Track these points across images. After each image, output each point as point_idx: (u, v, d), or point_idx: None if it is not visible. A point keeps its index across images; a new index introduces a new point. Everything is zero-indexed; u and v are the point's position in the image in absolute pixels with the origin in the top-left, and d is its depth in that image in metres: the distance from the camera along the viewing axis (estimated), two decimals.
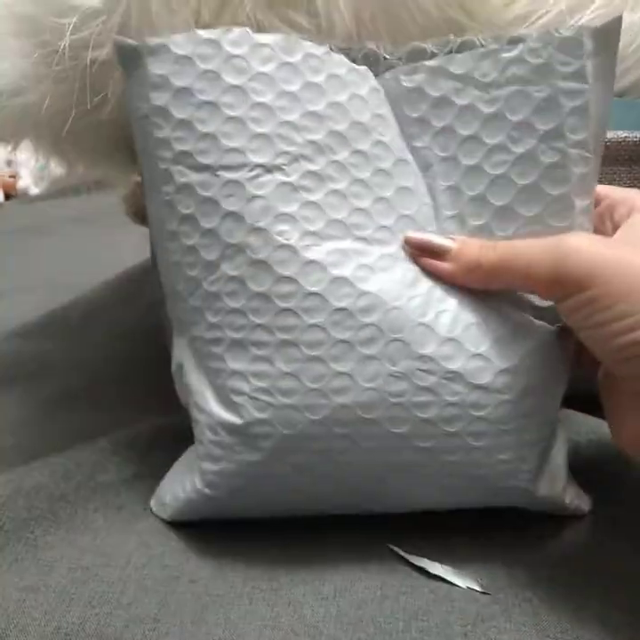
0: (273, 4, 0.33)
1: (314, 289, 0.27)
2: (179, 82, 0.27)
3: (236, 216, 0.27)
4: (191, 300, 0.29)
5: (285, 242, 0.27)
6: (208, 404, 0.30)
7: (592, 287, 0.25)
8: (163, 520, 0.33)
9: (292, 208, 0.27)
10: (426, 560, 0.30)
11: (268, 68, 0.27)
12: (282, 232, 0.27)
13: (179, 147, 0.28)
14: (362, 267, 0.28)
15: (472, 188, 0.29)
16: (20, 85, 0.36)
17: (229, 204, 0.27)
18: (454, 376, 0.28)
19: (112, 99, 0.33)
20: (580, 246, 0.26)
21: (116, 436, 0.39)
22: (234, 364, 0.29)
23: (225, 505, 0.31)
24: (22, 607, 0.28)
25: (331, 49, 0.29)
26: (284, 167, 0.27)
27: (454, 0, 0.33)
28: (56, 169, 0.47)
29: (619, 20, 0.28)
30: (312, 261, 0.27)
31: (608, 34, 0.28)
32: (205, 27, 0.34)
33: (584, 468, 0.34)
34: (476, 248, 0.28)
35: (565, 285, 0.26)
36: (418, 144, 0.30)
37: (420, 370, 0.28)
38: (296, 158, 0.27)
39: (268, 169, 0.27)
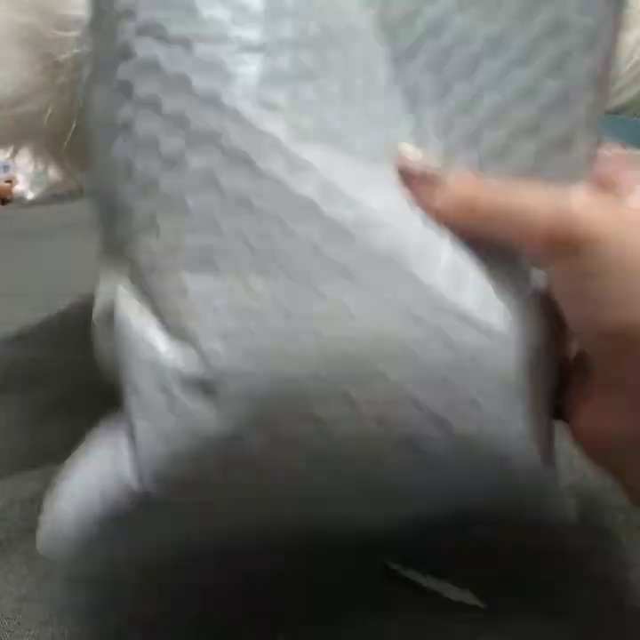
0: None
1: (302, 192, 0.21)
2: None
3: (211, 100, 0.22)
4: (141, 204, 0.23)
5: (269, 131, 0.21)
6: (155, 342, 0.22)
7: (594, 249, 0.22)
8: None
9: (279, 96, 0.22)
10: (419, 574, 0.30)
11: None
12: (265, 118, 0.22)
13: (144, 13, 0.23)
14: (355, 176, 0.22)
15: (465, 121, 0.24)
16: (21, 94, 0.36)
17: (203, 82, 0.22)
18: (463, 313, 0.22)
19: None
20: (587, 202, 0.23)
21: None
22: (200, 285, 0.21)
23: (173, 492, 0.22)
24: (17, 618, 0.28)
25: None
26: (272, 50, 0.22)
27: None
28: (53, 174, 0.47)
29: None
30: (301, 159, 0.22)
31: None
32: None
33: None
34: (473, 184, 0.24)
35: (564, 243, 0.22)
36: (409, 70, 0.24)
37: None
38: (285, 43, 0.22)
39: (254, 48, 0.22)
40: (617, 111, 0.37)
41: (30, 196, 1.24)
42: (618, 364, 0.22)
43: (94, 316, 0.26)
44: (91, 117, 0.26)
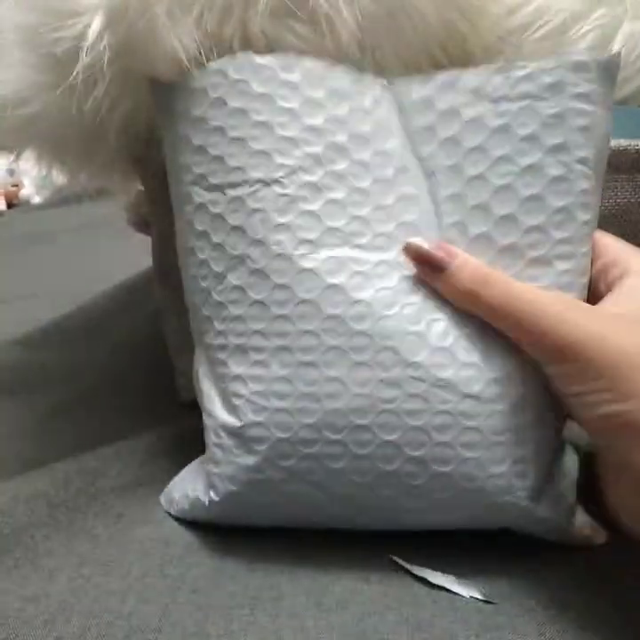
0: (276, 14, 0.34)
1: (307, 296, 0.28)
2: (195, 111, 0.30)
3: (239, 230, 0.29)
4: (203, 309, 0.31)
5: (281, 251, 0.29)
6: (214, 408, 0.31)
7: (575, 360, 0.25)
8: (162, 528, 0.33)
9: (287, 218, 0.29)
10: (428, 570, 0.30)
11: (267, 89, 0.29)
12: (278, 242, 0.29)
13: (196, 170, 0.30)
14: (357, 274, 0.29)
15: (475, 197, 0.29)
16: (24, 96, 0.36)
17: (234, 219, 0.29)
18: (445, 384, 0.28)
19: (119, 109, 0.33)
20: (568, 317, 0.26)
21: (117, 444, 0.39)
22: (235, 368, 0.30)
23: (225, 509, 0.31)
24: (22, 616, 0.28)
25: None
26: (281, 180, 0.29)
27: (455, 8, 0.33)
28: (58, 178, 0.47)
29: (618, 56, 0.30)
30: (306, 270, 0.28)
31: (610, 66, 0.29)
32: (209, 36, 0.34)
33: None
34: (474, 276, 0.28)
35: (550, 352, 0.26)
36: (423, 152, 0.30)
37: (411, 377, 0.28)
38: (294, 171, 0.29)
39: (267, 183, 0.29)
40: (622, 102, 0.37)
41: (36, 199, 1.25)
42: (620, 448, 0.25)
43: (193, 376, 0.34)
44: (177, 237, 0.34)
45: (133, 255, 0.62)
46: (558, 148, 0.28)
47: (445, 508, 0.29)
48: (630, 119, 0.36)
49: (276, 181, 0.29)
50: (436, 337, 0.28)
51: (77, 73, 0.32)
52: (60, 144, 0.37)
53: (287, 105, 0.29)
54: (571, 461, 0.32)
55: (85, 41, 0.31)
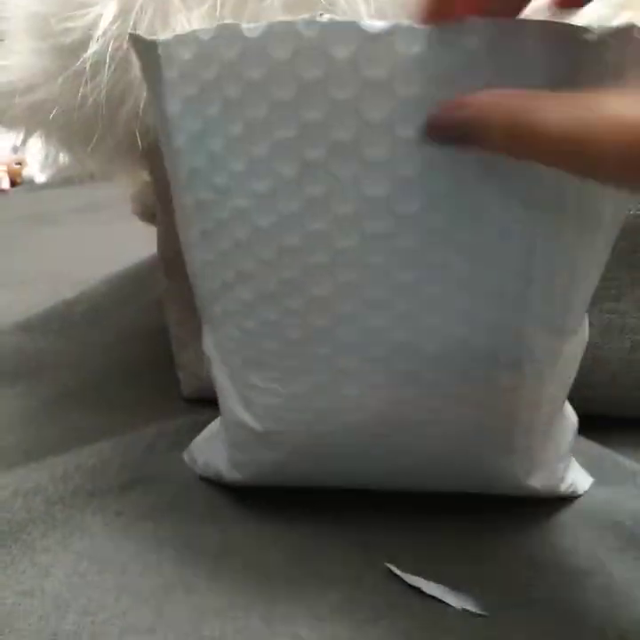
0: (291, 7, 0.33)
1: (319, 323, 0.27)
2: (187, 90, 0.25)
3: (245, 244, 0.27)
4: (214, 307, 0.30)
5: (289, 276, 0.26)
6: (232, 403, 0.32)
7: None
8: (159, 527, 0.33)
9: (294, 240, 0.25)
10: (421, 579, 0.30)
11: (259, 73, 0.23)
12: (286, 265, 0.26)
13: (192, 161, 0.27)
14: (373, 302, 0.26)
15: None
16: (32, 82, 0.36)
17: (239, 232, 0.26)
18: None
19: (129, 99, 0.32)
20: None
21: (116, 439, 0.39)
22: (251, 378, 0.30)
23: (251, 482, 0.34)
24: (18, 611, 0.28)
25: None
26: (283, 195, 0.25)
27: None
28: (63, 158, 0.47)
29: None
30: (317, 297, 0.26)
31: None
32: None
33: None
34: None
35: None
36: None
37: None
38: (296, 183, 0.25)
39: (269, 198, 0.25)
40: None
41: (40, 178, 1.24)
42: None
43: (203, 347, 0.34)
44: (177, 221, 0.31)
45: (137, 239, 0.62)
46: None
47: (446, 469, 0.31)
48: None
49: (279, 197, 0.25)
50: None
51: (85, 59, 0.31)
52: (67, 130, 0.36)
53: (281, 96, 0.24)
54: (568, 425, 0.33)
55: (96, 30, 0.30)
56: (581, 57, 0.22)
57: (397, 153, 0.23)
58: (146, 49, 0.26)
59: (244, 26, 0.23)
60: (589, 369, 0.39)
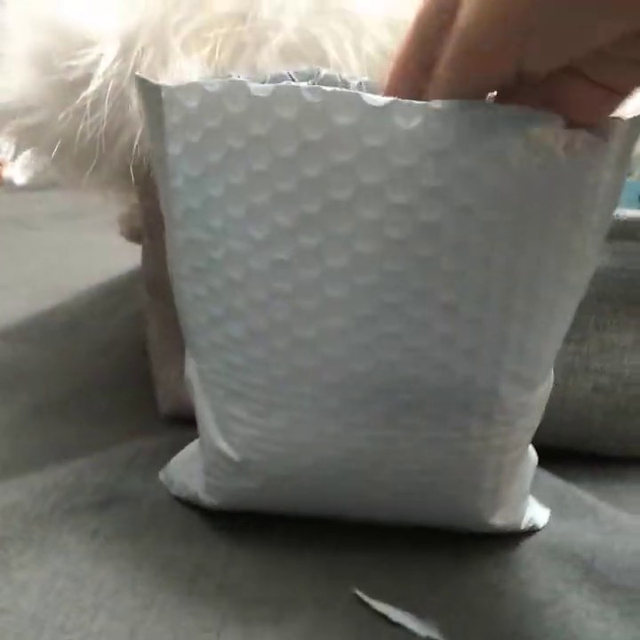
0: (286, 56, 0.35)
1: (304, 364, 0.28)
2: (190, 136, 0.26)
3: (238, 284, 0.28)
4: (200, 340, 0.31)
5: (279, 318, 0.27)
6: (211, 431, 0.32)
7: None
8: (135, 546, 0.34)
9: (285, 286, 0.27)
10: (389, 606, 0.31)
11: (264, 130, 0.25)
12: (276, 308, 0.27)
13: (189, 202, 0.28)
14: (358, 347, 0.28)
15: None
16: (25, 106, 0.36)
17: (232, 272, 0.28)
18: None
19: (125, 134, 0.33)
20: None
21: (95, 456, 0.39)
22: (232, 409, 0.31)
23: (224, 507, 0.35)
24: None
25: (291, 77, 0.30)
26: (278, 243, 0.26)
27: None
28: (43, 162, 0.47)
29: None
30: (304, 339, 0.28)
31: (637, 124, 0.27)
32: (221, 69, 0.35)
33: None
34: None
35: None
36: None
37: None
38: (290, 233, 0.26)
39: (265, 244, 0.26)
40: None
41: (20, 180, 1.23)
42: None
43: (185, 374, 0.35)
44: (167, 248, 0.32)
45: (119, 249, 0.63)
46: (586, 218, 0.27)
47: (417, 509, 0.33)
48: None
49: (273, 244, 0.26)
50: None
51: (85, 97, 0.32)
52: (64, 159, 0.37)
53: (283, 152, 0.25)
54: (529, 465, 0.35)
55: (97, 68, 0.31)
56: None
57: (389, 216, 0.24)
58: (149, 92, 0.27)
59: (252, 85, 0.24)
60: (555, 407, 0.41)
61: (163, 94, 0.27)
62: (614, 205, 0.29)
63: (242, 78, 0.29)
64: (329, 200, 0.25)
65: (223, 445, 0.32)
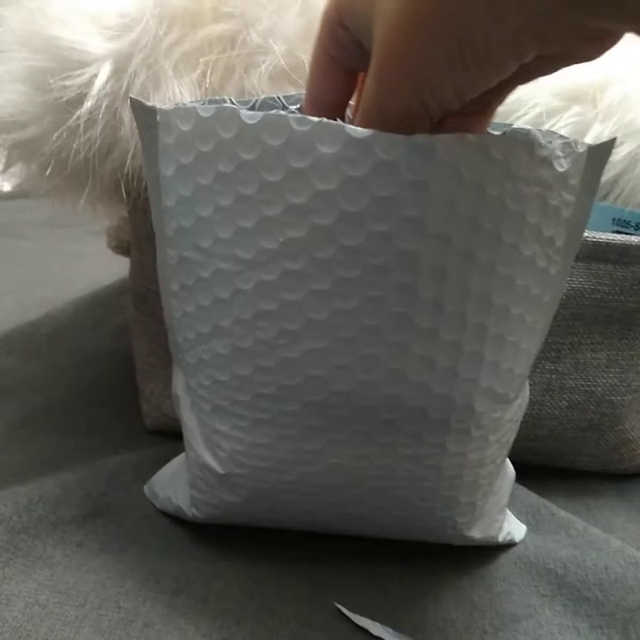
0: (275, 79, 0.36)
1: (288, 383, 0.29)
2: (182, 158, 0.27)
3: (225, 302, 0.28)
4: (188, 356, 0.32)
5: (264, 337, 0.28)
6: (197, 445, 0.33)
7: None
8: (120, 559, 0.34)
9: (271, 306, 0.27)
10: (368, 620, 0.32)
11: (252, 156, 0.26)
12: (261, 328, 0.28)
13: (181, 221, 0.28)
14: (339, 368, 0.28)
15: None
16: (16, 121, 0.37)
17: (220, 291, 0.28)
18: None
19: (116, 152, 0.34)
20: None
21: (80, 469, 0.39)
22: (218, 424, 0.32)
23: (208, 521, 0.36)
24: None
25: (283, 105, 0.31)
26: (264, 265, 0.27)
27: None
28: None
29: (613, 142, 0.29)
30: (288, 359, 0.28)
31: (603, 152, 0.29)
32: (208, 92, 0.35)
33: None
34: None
35: None
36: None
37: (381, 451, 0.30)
38: (276, 257, 0.27)
39: (251, 265, 0.27)
40: None
41: (5, 188, 1.22)
42: None
43: (172, 391, 0.36)
44: (158, 263, 0.33)
45: (105, 259, 0.63)
46: (550, 240, 0.28)
47: (397, 525, 0.34)
48: (592, 212, 0.39)
49: (260, 265, 0.27)
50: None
51: (79, 117, 0.33)
52: (55, 172, 0.37)
53: (271, 178, 0.26)
54: (505, 477, 0.36)
55: (91, 89, 0.32)
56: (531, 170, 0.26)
57: (369, 244, 0.25)
58: (145, 113, 0.28)
59: (243, 112, 0.25)
60: (532, 423, 0.42)
61: (158, 117, 0.27)
62: (582, 228, 0.30)
63: (233, 103, 0.30)
64: (312, 226, 0.26)
65: (209, 459, 0.33)
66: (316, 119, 0.24)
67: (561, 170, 0.26)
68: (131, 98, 0.29)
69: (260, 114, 0.25)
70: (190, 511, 0.35)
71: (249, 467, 0.32)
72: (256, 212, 0.26)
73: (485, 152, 0.24)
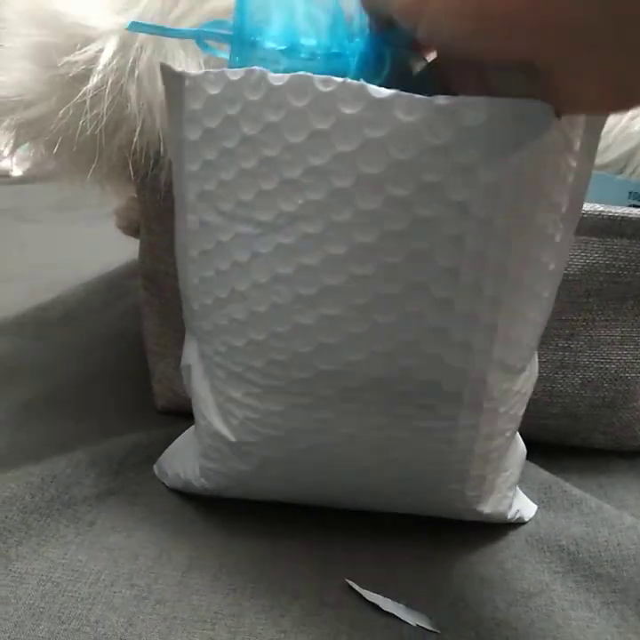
0: None
1: (302, 350, 0.29)
2: (208, 122, 0.28)
3: (242, 266, 0.29)
4: (204, 322, 0.32)
5: (279, 302, 0.28)
6: (209, 413, 0.33)
7: None
8: (132, 538, 0.34)
9: (287, 270, 0.28)
10: (379, 596, 0.32)
11: (277, 117, 0.26)
12: (277, 292, 0.28)
13: (204, 185, 0.29)
14: (352, 337, 0.28)
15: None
16: (23, 100, 0.36)
17: (238, 255, 0.29)
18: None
19: (123, 128, 0.34)
20: None
21: (92, 449, 0.40)
22: (231, 391, 0.32)
23: (218, 491, 0.36)
24: None
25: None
26: (283, 228, 0.27)
27: None
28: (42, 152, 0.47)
29: None
30: (302, 325, 0.28)
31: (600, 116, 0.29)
32: (218, 65, 0.35)
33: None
34: None
35: None
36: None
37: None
38: (294, 219, 0.27)
39: (270, 228, 0.27)
40: (603, 168, 0.39)
41: (16, 172, 1.23)
42: None
43: (182, 364, 0.36)
44: (176, 232, 0.33)
45: (115, 242, 0.63)
46: (557, 205, 0.28)
47: (407, 497, 0.34)
48: (607, 185, 0.38)
49: (279, 228, 0.27)
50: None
51: (85, 93, 0.33)
52: (62, 150, 0.37)
53: (294, 140, 0.26)
54: (515, 453, 0.36)
55: (97, 64, 0.32)
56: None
57: (386, 209, 0.25)
58: (172, 79, 0.29)
59: (270, 74, 0.25)
60: (545, 401, 0.42)
61: (186, 82, 0.28)
62: (583, 194, 0.30)
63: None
64: (331, 188, 0.26)
65: (221, 427, 0.33)
66: (339, 79, 0.25)
67: (569, 134, 0.26)
68: (161, 63, 0.30)
69: (288, 75, 0.25)
70: (199, 482, 0.35)
71: (260, 435, 0.32)
72: (278, 174, 0.26)
73: (509, 117, 0.24)
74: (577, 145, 0.27)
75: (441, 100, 0.23)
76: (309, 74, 0.25)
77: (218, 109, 0.27)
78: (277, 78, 0.25)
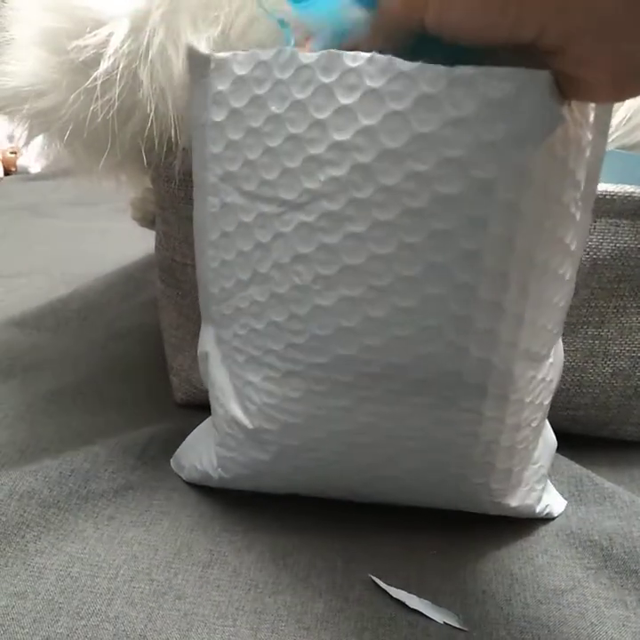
0: None
1: (320, 333, 0.28)
2: (235, 102, 0.27)
3: (265, 247, 0.28)
4: (223, 306, 0.32)
5: (300, 283, 0.28)
6: (227, 401, 0.33)
7: None
8: (151, 532, 0.34)
9: (308, 249, 0.27)
10: (404, 593, 0.31)
11: (305, 95, 0.26)
12: (298, 272, 0.28)
13: (228, 166, 0.29)
14: (371, 320, 0.27)
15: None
16: (36, 90, 0.36)
17: (261, 236, 0.28)
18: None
19: (136, 115, 0.33)
20: None
21: (110, 443, 0.39)
22: (251, 376, 0.31)
23: (236, 482, 0.35)
24: (11, 614, 0.29)
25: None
26: (305, 206, 0.27)
27: None
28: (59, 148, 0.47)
29: None
30: (321, 306, 0.28)
31: None
32: (231, 47, 0.34)
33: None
34: None
35: None
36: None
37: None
38: (316, 197, 0.26)
39: (293, 206, 0.27)
40: (632, 148, 0.37)
41: (35, 168, 1.23)
42: None
43: (198, 351, 0.35)
44: (195, 219, 0.33)
45: (133, 236, 0.63)
46: (576, 180, 0.27)
47: (431, 489, 0.33)
48: (637, 166, 0.37)
49: (301, 207, 0.27)
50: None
51: (96, 78, 0.32)
52: (74, 138, 0.36)
53: (319, 116, 0.25)
54: (546, 448, 0.35)
55: (107, 49, 0.31)
56: None
57: (407, 184, 0.25)
58: (197, 61, 0.29)
59: (302, 54, 0.25)
60: (574, 392, 0.40)
61: (212, 65, 0.28)
62: (598, 169, 0.29)
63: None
64: (353, 164, 0.25)
65: (238, 414, 0.32)
66: (368, 54, 0.24)
67: (583, 106, 0.25)
68: (188, 45, 0.29)
69: (317, 54, 0.25)
70: (217, 473, 0.35)
71: (278, 422, 0.31)
72: (302, 151, 0.26)
73: (538, 89, 0.23)
74: (591, 117, 0.26)
75: (461, 69, 0.22)
76: (339, 51, 0.25)
77: (245, 90, 0.27)
78: (307, 57, 0.25)
